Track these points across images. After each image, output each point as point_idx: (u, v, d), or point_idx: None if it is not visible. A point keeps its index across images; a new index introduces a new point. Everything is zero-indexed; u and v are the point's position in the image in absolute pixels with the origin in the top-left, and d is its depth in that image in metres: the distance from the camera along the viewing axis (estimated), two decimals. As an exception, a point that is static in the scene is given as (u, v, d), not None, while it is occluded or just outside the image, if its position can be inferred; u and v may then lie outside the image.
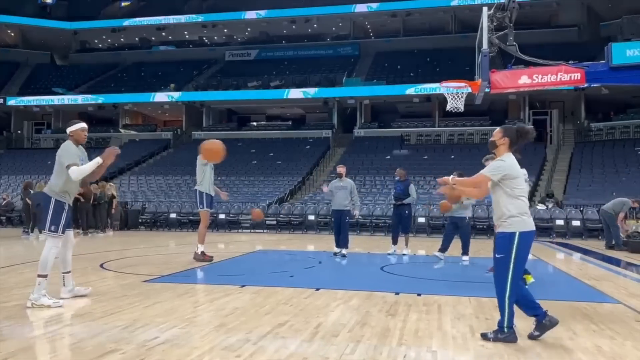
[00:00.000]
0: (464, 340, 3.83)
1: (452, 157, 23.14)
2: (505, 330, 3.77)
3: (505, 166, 3.88)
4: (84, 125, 5.12)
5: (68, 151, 4.87)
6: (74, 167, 4.74)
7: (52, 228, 4.78)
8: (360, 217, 16.41)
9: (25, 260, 8.11)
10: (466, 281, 7.08)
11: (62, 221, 4.81)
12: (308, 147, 26.55)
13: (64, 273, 5.10)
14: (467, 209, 8.83)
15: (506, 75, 7.09)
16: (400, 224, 9.91)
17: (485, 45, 6.91)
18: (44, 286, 4.72)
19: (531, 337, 3.85)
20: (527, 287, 4.49)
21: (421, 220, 16.29)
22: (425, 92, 26.17)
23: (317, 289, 5.75)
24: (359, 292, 5.65)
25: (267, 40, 35.86)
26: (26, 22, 36.20)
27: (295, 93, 28.10)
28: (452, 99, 8.71)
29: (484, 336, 3.83)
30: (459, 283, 6.84)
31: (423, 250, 11.41)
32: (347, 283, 6.46)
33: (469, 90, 8.15)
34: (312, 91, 27.84)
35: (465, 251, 8.80)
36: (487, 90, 7.21)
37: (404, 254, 9.74)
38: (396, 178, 10.11)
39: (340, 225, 9.44)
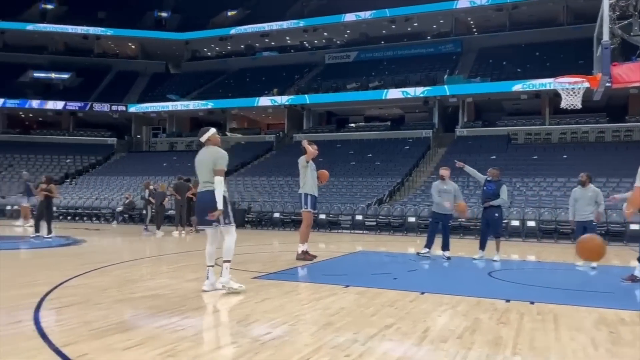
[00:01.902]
0: (586, 354, 3.57)
1: (565, 156, 21.68)
2: None
3: None
4: (214, 129, 5.66)
5: (223, 156, 5.41)
6: (222, 179, 5.28)
7: (227, 220, 5.33)
8: (464, 220, 15.99)
9: (150, 254, 8.79)
10: (585, 290, 6.59)
11: (230, 212, 5.36)
12: (407, 147, 26.20)
13: (208, 266, 5.53)
14: None
15: (630, 68, 6.52)
16: (489, 227, 9.37)
17: (605, 37, 6.39)
18: (228, 270, 5.34)
19: None
20: None
21: (531, 224, 15.42)
22: (534, 89, 24.82)
23: (422, 293, 5.65)
24: (467, 297, 5.47)
25: (366, 41, 35.95)
26: (145, 35, 39.33)
27: (394, 93, 27.88)
28: (567, 95, 8.15)
29: None
30: (577, 292, 6.39)
31: (533, 256, 10.82)
32: (454, 288, 6.28)
33: (587, 85, 7.58)
34: (412, 91, 27.45)
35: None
36: (607, 85, 6.67)
37: (494, 260, 9.04)
38: (488, 178, 9.46)
39: (442, 228, 9.26)
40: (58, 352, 3.26)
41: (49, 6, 40.67)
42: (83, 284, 5.92)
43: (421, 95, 27.42)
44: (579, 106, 8.10)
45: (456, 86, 27.23)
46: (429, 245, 9.35)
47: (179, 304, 4.88)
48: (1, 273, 6.71)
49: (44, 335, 3.66)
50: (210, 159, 5.37)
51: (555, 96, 25.75)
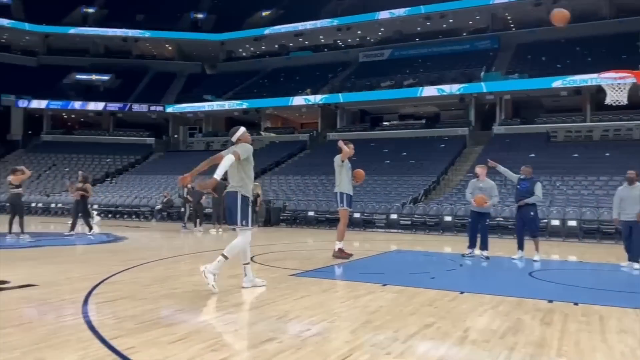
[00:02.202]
0: (635, 356, 3.47)
1: (607, 154, 21.02)
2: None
3: None
4: (244, 127, 5.68)
5: (244, 146, 5.45)
6: (235, 157, 5.22)
7: (244, 222, 5.37)
8: (502, 219, 15.73)
9: (189, 251, 8.97)
10: (632, 292, 6.37)
11: (249, 214, 5.42)
12: (443, 145, 25.88)
13: (244, 264, 5.61)
14: None
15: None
16: (525, 226, 9.16)
17: (654, 30, 6.15)
18: (250, 269, 5.52)
19: None
20: None
21: (572, 223, 15.03)
22: (575, 85, 24.17)
23: (462, 292, 5.59)
24: (507, 297, 5.38)
25: (400, 39, 35.68)
26: (181, 37, 40.14)
27: (429, 91, 27.60)
28: (612, 91, 7.90)
29: None
30: (624, 293, 6.20)
31: (574, 256, 10.54)
32: (494, 288, 6.19)
33: (634, 80, 7.33)
34: (447, 88, 27.11)
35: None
36: (655, 79, 6.44)
37: (534, 260, 8.83)
38: (521, 176, 9.25)
39: (480, 228, 9.15)
40: (107, 345, 3.37)
41: (90, 10, 41.90)
42: (127, 280, 6.10)
43: (457, 92, 27.03)
44: (625, 102, 7.86)
45: (493, 83, 26.75)
46: (471, 245, 9.25)
47: (220, 300, 4.97)
48: (49, 269, 6.97)
49: (92, 328, 3.79)
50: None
51: (597, 92, 24.98)
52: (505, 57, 30.55)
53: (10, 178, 11.18)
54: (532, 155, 21.81)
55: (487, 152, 24.20)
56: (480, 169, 9.44)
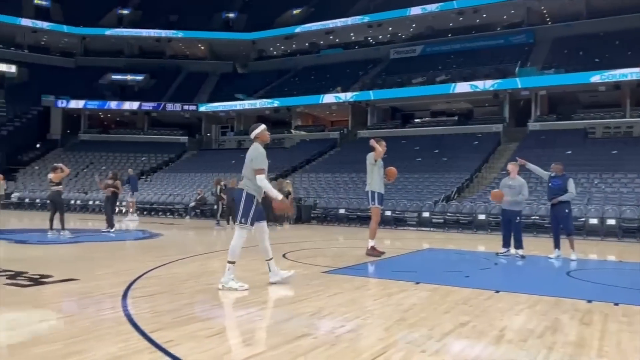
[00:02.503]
0: (681, 359, 3.36)
1: (648, 151, 20.33)
2: None
3: None
4: (264, 126, 5.56)
5: (259, 154, 5.30)
6: (263, 176, 5.21)
7: (243, 220, 5.26)
8: (537, 217, 15.42)
9: (223, 248, 9.09)
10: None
11: (251, 214, 5.26)
12: (476, 142, 25.47)
13: (267, 260, 5.58)
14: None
15: None
16: (559, 224, 8.95)
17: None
18: (232, 271, 5.23)
19: None
20: None
21: (611, 222, 14.61)
22: (614, 79, 23.47)
23: (497, 291, 5.50)
24: (544, 297, 5.27)
25: (432, 35, 35.28)
26: (213, 36, 40.64)
27: (462, 87, 27.20)
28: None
29: None
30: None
31: (613, 256, 10.25)
32: (530, 287, 6.07)
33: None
34: (481, 84, 26.65)
35: None
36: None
37: (571, 259, 8.58)
38: (552, 174, 9.02)
39: (511, 226, 8.98)
40: (147, 338, 3.46)
41: (125, 12, 42.84)
42: (163, 275, 6.23)
43: (491, 88, 26.56)
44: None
45: (528, 78, 26.17)
46: (505, 244, 9.09)
47: (254, 296, 5.03)
48: (88, 264, 7.18)
49: (132, 322, 3.89)
50: (249, 157, 5.34)
51: (637, 87, 24.21)
52: (541, 52, 29.86)
53: (51, 176, 11.54)
54: (569, 152, 21.28)
55: (522, 149, 23.74)
56: (511, 166, 9.30)
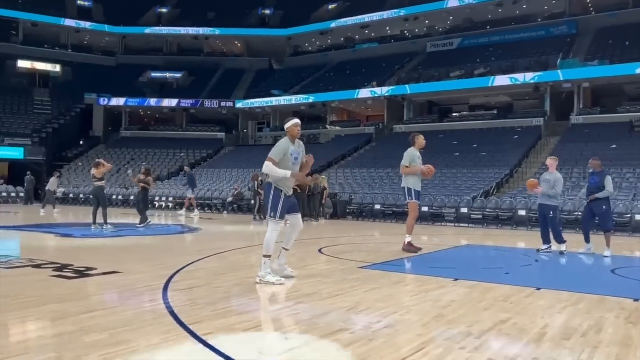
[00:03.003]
0: None
1: (700, 144, 19.44)
2: None
3: None
4: (296, 121, 5.57)
5: (277, 146, 5.39)
6: (271, 163, 5.26)
7: (272, 213, 5.34)
8: (579, 213, 14.95)
9: (260, 242, 9.18)
10: None
11: (279, 207, 5.32)
12: (516, 136, 24.91)
13: (283, 248, 5.63)
14: None
15: None
16: (592, 219, 8.83)
17: None
18: (268, 265, 5.31)
19: None
20: None
21: (658, 218, 14.05)
22: (662, 70, 22.48)
23: (538, 289, 5.38)
24: (587, 295, 5.12)
25: (470, 27, 34.63)
26: (249, 33, 41.07)
27: (501, 80, 26.63)
28: None
29: None
30: None
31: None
32: (573, 284, 5.90)
33: None
34: (520, 77, 26.02)
35: None
36: None
37: (605, 256, 8.38)
38: (589, 170, 8.89)
39: (548, 221, 8.76)
40: (187, 329, 3.53)
41: (164, 10, 43.71)
42: (203, 268, 6.35)
43: (531, 81, 25.89)
44: None
45: (571, 70, 25.40)
46: (545, 240, 8.88)
47: (291, 289, 5.07)
48: (130, 257, 7.38)
49: (173, 313, 3.98)
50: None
51: (688, 77, 23.16)
52: (584, 43, 28.92)
53: (93, 171, 11.90)
54: (614, 146, 20.58)
55: (564, 143, 23.10)
56: (550, 160, 9.09)
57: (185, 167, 21.05)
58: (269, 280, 5.22)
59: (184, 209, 18.36)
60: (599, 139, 22.30)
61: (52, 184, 19.00)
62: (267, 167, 5.32)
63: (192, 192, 18.23)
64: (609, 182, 8.62)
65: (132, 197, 24.58)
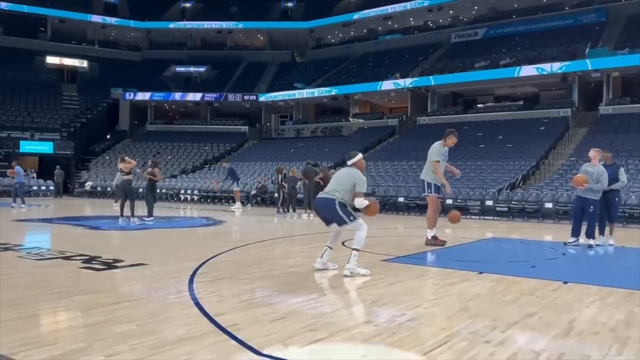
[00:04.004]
0: None
1: None
2: None
3: None
4: (361, 155, 5.98)
5: (363, 182, 5.67)
6: (362, 199, 5.63)
7: (351, 218, 5.56)
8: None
9: (283, 235, 9.25)
10: None
11: (350, 210, 5.62)
12: (542, 128, 24.43)
13: (327, 246, 5.77)
14: None
15: None
16: (608, 211, 8.80)
17: None
18: (356, 258, 5.51)
19: None
20: None
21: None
22: (697, 58, 21.74)
23: (565, 282, 5.29)
24: (617, 289, 5.02)
25: (495, 17, 33.99)
26: (272, 26, 41.09)
27: (527, 70, 26.09)
28: None
29: None
30: None
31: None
32: (602, 278, 5.80)
33: None
34: (547, 67, 25.45)
35: None
36: None
37: (610, 244, 8.77)
38: (602, 162, 8.78)
39: (586, 215, 8.57)
40: (213, 321, 3.59)
41: (187, 5, 44.04)
42: (227, 261, 6.42)
43: (558, 71, 25.32)
44: None
45: (600, 60, 24.74)
46: (575, 233, 8.70)
47: (316, 282, 5.10)
48: (157, 249, 7.51)
49: (199, 305, 4.05)
50: (352, 180, 5.62)
51: None
52: (614, 31, 28.13)
53: (121, 166, 12.11)
54: (645, 136, 20.05)
55: (592, 134, 22.58)
56: (593, 152, 8.84)
57: (224, 163, 21.03)
58: (359, 273, 5.43)
59: (237, 202, 18.34)
60: (629, 130, 21.73)
61: (119, 179, 19.91)
62: (361, 202, 5.60)
63: (237, 185, 18.40)
64: (622, 174, 8.88)
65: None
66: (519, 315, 3.97)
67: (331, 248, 5.76)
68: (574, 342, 3.33)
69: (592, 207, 8.54)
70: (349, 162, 5.88)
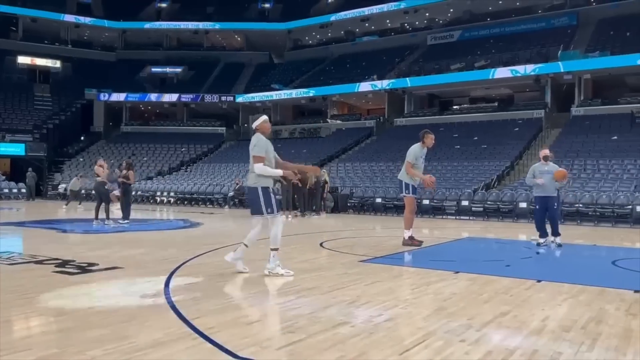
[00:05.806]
0: None
1: (701, 135, 19.40)
2: None
3: None
4: (266, 117, 5.65)
5: (258, 145, 5.37)
6: (262, 163, 5.29)
7: (269, 210, 5.35)
8: (581, 205, 15.00)
9: (262, 237, 9.19)
10: None
11: (273, 202, 5.38)
12: (517, 129, 24.88)
13: (243, 243, 5.58)
14: None
15: None
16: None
17: None
18: (277, 258, 5.41)
19: None
20: None
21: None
22: (664, 61, 22.38)
23: (539, 281, 5.39)
24: (588, 287, 5.14)
25: (470, 19, 34.48)
26: (249, 27, 40.95)
27: (502, 72, 26.56)
28: None
29: None
30: None
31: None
32: (574, 276, 5.92)
33: None
34: (521, 69, 25.94)
35: None
36: None
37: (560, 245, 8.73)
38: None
39: (548, 213, 8.67)
40: (189, 324, 3.55)
41: (163, 5, 43.57)
42: (205, 263, 6.37)
43: (532, 73, 25.82)
44: None
45: (572, 62, 25.30)
46: (542, 234, 8.80)
47: (293, 284, 5.09)
48: (132, 252, 7.41)
49: (174, 308, 4.00)
50: (250, 146, 5.40)
51: (690, 68, 23.06)
52: (585, 34, 28.81)
53: (95, 168, 11.93)
54: (615, 137, 20.57)
55: (565, 135, 23.08)
56: (549, 152, 8.96)
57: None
58: (278, 272, 5.33)
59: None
60: (600, 131, 22.28)
61: (73, 184, 20.84)
62: (261, 168, 5.31)
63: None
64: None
65: (134, 193, 24.63)
66: (494, 313, 4.03)
67: (247, 245, 5.57)
68: (546, 340, 3.39)
69: (555, 204, 8.70)
70: (253, 126, 5.56)
